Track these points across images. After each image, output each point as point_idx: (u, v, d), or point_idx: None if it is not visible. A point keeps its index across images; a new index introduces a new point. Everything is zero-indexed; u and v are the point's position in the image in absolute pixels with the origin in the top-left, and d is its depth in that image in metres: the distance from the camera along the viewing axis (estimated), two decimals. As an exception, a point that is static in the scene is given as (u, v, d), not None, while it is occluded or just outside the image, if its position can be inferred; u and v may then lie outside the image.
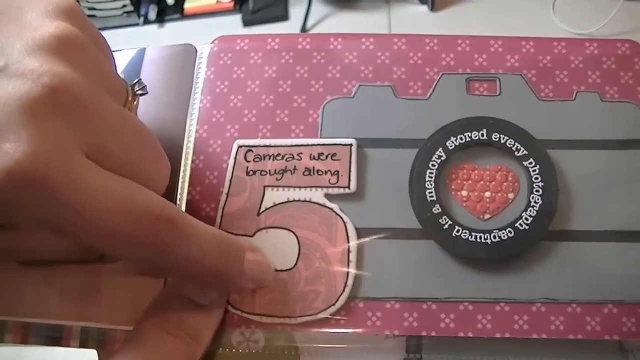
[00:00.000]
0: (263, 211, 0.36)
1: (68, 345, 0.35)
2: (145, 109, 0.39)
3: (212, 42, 0.40)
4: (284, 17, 1.37)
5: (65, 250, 0.32)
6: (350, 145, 0.36)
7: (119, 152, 0.29)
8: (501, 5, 1.28)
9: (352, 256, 0.34)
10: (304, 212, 0.36)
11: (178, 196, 0.37)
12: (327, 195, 0.36)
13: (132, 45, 0.42)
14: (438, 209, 0.35)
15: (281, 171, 0.36)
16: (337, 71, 0.38)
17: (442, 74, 0.38)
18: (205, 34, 1.38)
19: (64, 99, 0.27)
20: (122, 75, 0.36)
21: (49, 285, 0.35)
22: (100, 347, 0.35)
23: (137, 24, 1.42)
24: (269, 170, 0.36)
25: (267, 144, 0.37)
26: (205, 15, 1.41)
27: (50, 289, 0.35)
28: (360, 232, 0.35)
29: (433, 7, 1.29)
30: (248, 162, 0.37)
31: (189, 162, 0.37)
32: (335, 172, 0.36)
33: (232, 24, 1.37)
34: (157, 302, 0.33)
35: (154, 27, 1.42)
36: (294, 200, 0.36)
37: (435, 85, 0.37)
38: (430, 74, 0.38)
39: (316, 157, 0.36)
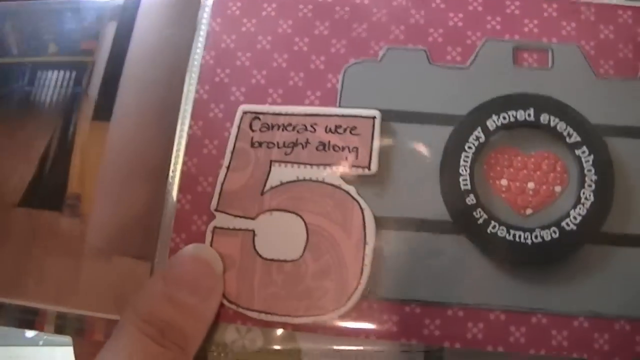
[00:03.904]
0: (268, 190, 0.32)
1: (42, 330, 0.34)
2: (139, 62, 0.35)
3: (220, -11, 0.35)
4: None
5: None
6: (374, 117, 0.32)
7: None
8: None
9: (369, 249, 0.31)
10: (315, 194, 0.32)
11: (172, 167, 0.33)
12: (343, 176, 0.32)
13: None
14: (472, 200, 0.31)
15: (291, 144, 0.32)
16: (362, 30, 0.34)
17: (486, 40, 0.33)
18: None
19: None
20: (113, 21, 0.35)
21: (25, 265, 0.34)
22: (79, 336, 0.33)
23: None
24: (277, 143, 0.33)
25: (277, 111, 0.33)
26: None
27: (27, 269, 0.34)
28: (380, 222, 0.31)
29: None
30: (253, 131, 0.33)
31: (186, 127, 0.34)
32: (354, 149, 0.32)
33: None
34: (142, 298, 0.30)
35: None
36: (304, 180, 0.32)
37: (478, 52, 0.33)
38: (472, 38, 0.33)
39: (333, 130, 0.32)
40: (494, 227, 0.30)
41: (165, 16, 0.36)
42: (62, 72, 0.35)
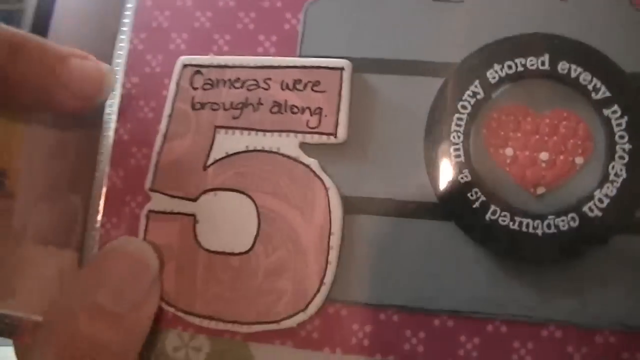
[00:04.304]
0: (211, 164, 0.27)
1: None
2: (68, 11, 0.30)
3: None
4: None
5: None
6: (341, 69, 0.26)
7: None
8: None
9: (335, 240, 0.26)
10: (268, 169, 0.27)
11: (103, 134, 0.28)
12: (303, 146, 0.26)
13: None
14: (467, 177, 0.25)
15: (240, 105, 0.27)
16: (330, -47, 0.28)
17: (489, -37, 0.26)
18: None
19: None
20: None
21: None
22: (6, 337, 0.29)
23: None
24: (223, 104, 0.27)
25: (222, 63, 0.27)
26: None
27: None
28: (349, 205, 0.26)
29: None
30: (195, 89, 0.27)
31: (119, 86, 0.28)
32: (317, 111, 0.26)
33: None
34: (58, 312, 0.25)
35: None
36: (254, 150, 0.27)
37: (477, -20, 0.26)
38: (471, -39, 0.27)
39: (291, 87, 0.27)
40: (494, 212, 0.25)
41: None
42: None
